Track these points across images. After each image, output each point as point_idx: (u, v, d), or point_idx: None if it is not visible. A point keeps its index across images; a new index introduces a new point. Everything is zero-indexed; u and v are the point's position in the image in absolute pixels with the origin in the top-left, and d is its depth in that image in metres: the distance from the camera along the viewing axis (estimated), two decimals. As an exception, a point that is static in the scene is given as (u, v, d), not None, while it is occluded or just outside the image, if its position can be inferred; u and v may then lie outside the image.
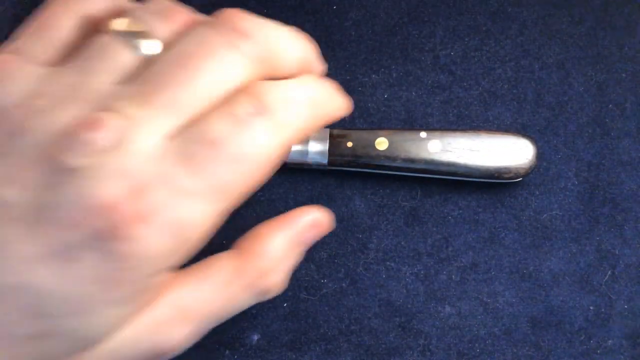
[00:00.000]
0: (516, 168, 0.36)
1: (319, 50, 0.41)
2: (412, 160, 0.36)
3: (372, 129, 0.38)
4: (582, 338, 0.36)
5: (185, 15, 0.26)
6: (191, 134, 0.23)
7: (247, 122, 0.24)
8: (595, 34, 0.41)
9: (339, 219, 0.38)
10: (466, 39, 0.41)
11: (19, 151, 0.22)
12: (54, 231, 0.22)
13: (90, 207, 0.21)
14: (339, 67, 0.40)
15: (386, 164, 0.36)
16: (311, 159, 0.37)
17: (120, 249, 0.22)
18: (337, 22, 0.41)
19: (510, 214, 0.38)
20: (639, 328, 0.36)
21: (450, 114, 0.39)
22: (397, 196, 0.38)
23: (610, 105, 0.40)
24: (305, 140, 0.37)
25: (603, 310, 0.36)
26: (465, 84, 0.40)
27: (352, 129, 0.37)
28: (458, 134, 0.36)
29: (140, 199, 0.22)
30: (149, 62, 0.24)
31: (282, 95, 0.25)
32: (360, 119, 0.39)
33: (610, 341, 0.36)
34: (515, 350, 0.36)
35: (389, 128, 0.38)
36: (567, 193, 0.38)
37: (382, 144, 0.36)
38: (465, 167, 0.36)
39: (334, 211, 0.38)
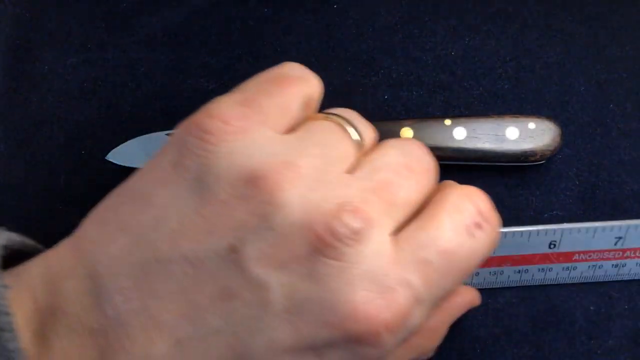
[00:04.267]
0: (542, 150, 0.36)
1: (320, 51, 0.41)
2: (439, 149, 0.36)
3: (396, 119, 0.38)
4: (582, 338, 0.36)
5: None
6: (420, 236, 0.24)
7: (472, 234, 0.24)
8: (596, 34, 0.41)
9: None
10: (467, 39, 0.41)
11: (278, 228, 0.22)
12: (309, 327, 0.22)
13: (347, 313, 0.22)
14: (339, 67, 0.40)
15: None
16: None
17: (369, 353, 0.22)
18: (338, 21, 0.41)
19: (510, 214, 0.38)
20: (640, 328, 0.36)
21: (451, 114, 0.39)
22: (397, 196, 0.38)
23: (611, 105, 0.40)
24: None
25: (604, 310, 0.36)
26: (466, 83, 0.40)
27: (375, 120, 0.37)
28: (482, 119, 0.37)
29: (389, 309, 0.22)
30: (362, 159, 0.25)
31: (489, 205, 0.26)
32: (360, 119, 0.39)
33: (611, 341, 0.36)
34: (515, 351, 0.36)
35: (413, 117, 0.38)
36: (568, 193, 0.38)
37: (407, 133, 0.36)
38: (492, 152, 0.36)
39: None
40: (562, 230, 0.35)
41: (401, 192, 0.24)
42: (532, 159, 0.36)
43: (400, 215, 0.24)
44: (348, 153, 0.25)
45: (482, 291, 0.37)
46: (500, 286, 0.36)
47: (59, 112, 0.39)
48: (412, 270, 0.23)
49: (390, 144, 0.26)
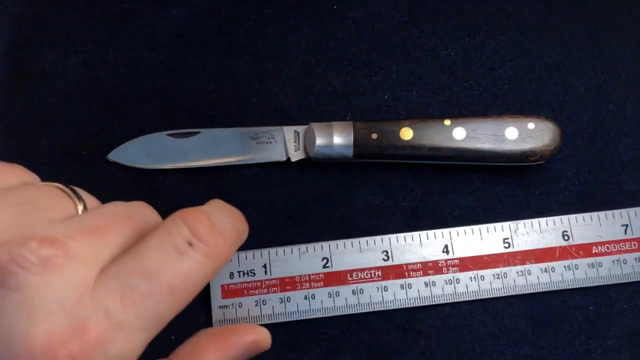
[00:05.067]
0: (542, 150, 0.36)
1: (320, 51, 0.41)
2: (438, 149, 0.36)
3: (395, 119, 0.38)
4: (582, 338, 0.36)
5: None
6: (126, 264, 0.24)
7: (182, 253, 0.24)
8: (595, 34, 0.41)
9: (339, 220, 0.38)
10: (467, 39, 0.41)
11: None
12: None
13: (24, 349, 0.21)
14: (339, 67, 0.40)
15: (412, 153, 0.37)
16: (336, 152, 0.37)
17: None
18: (338, 21, 0.41)
19: (510, 214, 0.38)
20: (639, 328, 0.36)
21: (451, 115, 0.39)
22: (397, 196, 0.38)
23: (611, 106, 0.40)
24: (329, 134, 0.37)
25: (603, 310, 0.36)
26: (465, 84, 0.40)
27: (375, 120, 0.37)
28: (482, 119, 0.37)
29: (77, 338, 0.21)
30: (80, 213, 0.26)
31: (212, 224, 0.26)
32: (361, 120, 0.39)
33: (610, 341, 0.36)
34: (515, 350, 0.36)
35: (413, 117, 0.38)
36: (567, 193, 0.38)
37: (406, 133, 0.36)
38: (491, 152, 0.36)
39: (334, 211, 0.38)
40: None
41: (115, 235, 0.24)
42: (532, 159, 0.36)
43: (111, 251, 0.24)
44: (61, 205, 0.25)
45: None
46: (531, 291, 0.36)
47: (60, 112, 0.39)
48: (110, 296, 0.22)
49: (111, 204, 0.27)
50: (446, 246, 0.36)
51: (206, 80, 0.40)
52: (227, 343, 0.30)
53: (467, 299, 0.36)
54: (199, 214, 0.26)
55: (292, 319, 0.35)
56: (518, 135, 0.36)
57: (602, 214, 0.37)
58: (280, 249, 0.36)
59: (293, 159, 0.38)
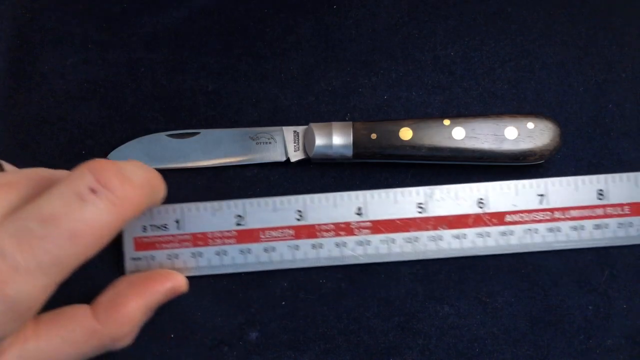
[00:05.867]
0: (541, 150, 0.36)
1: (320, 51, 0.41)
2: (437, 149, 0.36)
3: (395, 119, 0.38)
4: (581, 337, 0.36)
5: None
6: (26, 210, 0.24)
7: (83, 200, 0.25)
8: (595, 34, 0.41)
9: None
10: (466, 39, 0.41)
11: None
12: None
13: None
14: (338, 68, 0.40)
15: (411, 153, 0.37)
16: (335, 152, 0.37)
17: None
18: (337, 21, 0.41)
19: (509, 214, 0.38)
20: (638, 327, 0.36)
21: (450, 115, 0.39)
22: (396, 196, 0.38)
23: (610, 105, 0.40)
24: (328, 135, 0.37)
25: (602, 309, 0.37)
26: (465, 84, 0.40)
27: (375, 120, 0.38)
28: (481, 119, 0.37)
29: None
30: None
31: (120, 173, 0.26)
32: (360, 120, 0.39)
33: (609, 340, 0.36)
34: (514, 350, 0.36)
35: (412, 118, 0.38)
36: (567, 193, 0.38)
37: (406, 134, 0.36)
38: (491, 152, 0.36)
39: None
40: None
41: (22, 189, 0.26)
42: (531, 158, 0.37)
43: (16, 201, 0.25)
44: None
45: (481, 289, 0.37)
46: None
47: (60, 112, 0.39)
48: (6, 238, 0.23)
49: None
50: (360, 208, 0.36)
51: (206, 80, 0.40)
52: (147, 291, 0.31)
53: (378, 261, 0.36)
54: (105, 163, 0.26)
55: (203, 274, 0.36)
56: (517, 135, 0.36)
57: (519, 182, 0.37)
58: (193, 205, 0.36)
59: (293, 159, 0.38)
